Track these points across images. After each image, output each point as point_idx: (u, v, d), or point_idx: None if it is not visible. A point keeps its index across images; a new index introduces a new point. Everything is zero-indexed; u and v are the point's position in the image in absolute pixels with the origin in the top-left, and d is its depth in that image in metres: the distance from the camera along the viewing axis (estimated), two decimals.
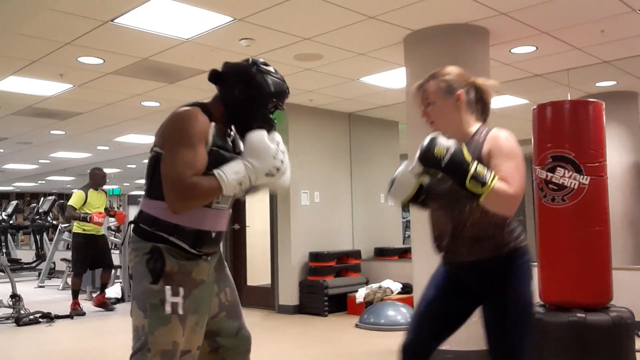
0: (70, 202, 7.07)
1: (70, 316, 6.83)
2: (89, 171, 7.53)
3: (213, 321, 2.22)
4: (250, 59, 2.24)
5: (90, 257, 7.18)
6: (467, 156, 1.97)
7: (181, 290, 2.06)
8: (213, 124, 2.09)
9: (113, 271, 9.07)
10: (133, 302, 2.10)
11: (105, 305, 7.38)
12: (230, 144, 2.21)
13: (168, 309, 2.03)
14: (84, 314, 6.99)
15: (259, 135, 2.04)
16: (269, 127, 2.14)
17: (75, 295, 7.08)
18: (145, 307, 2.05)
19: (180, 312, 2.04)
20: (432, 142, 2.01)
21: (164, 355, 2.01)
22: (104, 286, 7.51)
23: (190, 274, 2.11)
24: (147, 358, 2.01)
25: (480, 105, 2.31)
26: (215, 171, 1.98)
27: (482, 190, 1.93)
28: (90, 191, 7.26)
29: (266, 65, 2.22)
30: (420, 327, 2.39)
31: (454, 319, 2.37)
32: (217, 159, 2.04)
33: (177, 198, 1.97)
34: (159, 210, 2.07)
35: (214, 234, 2.20)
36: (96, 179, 7.39)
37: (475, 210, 2.07)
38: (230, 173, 1.99)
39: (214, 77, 2.23)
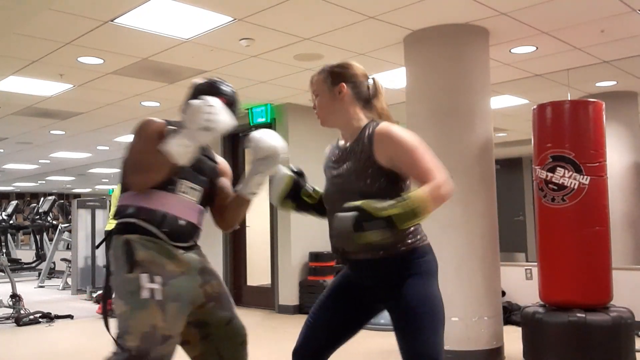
0: None
1: (70, 316, 6.84)
2: None
3: (201, 311, 2.29)
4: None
5: None
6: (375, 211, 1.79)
7: (158, 278, 2.15)
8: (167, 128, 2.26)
9: None
10: (115, 296, 2.21)
11: None
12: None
13: (145, 294, 2.12)
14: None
15: (190, 102, 2.21)
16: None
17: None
18: (124, 295, 2.16)
19: (159, 297, 2.12)
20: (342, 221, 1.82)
21: (143, 337, 2.10)
22: None
23: (164, 266, 2.19)
24: (128, 341, 2.13)
25: (373, 102, 2.19)
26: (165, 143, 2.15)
27: (419, 214, 1.83)
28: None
29: (208, 80, 2.47)
30: (313, 332, 2.37)
31: (350, 324, 2.34)
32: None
33: (133, 174, 2.20)
34: (125, 198, 2.26)
35: (182, 222, 2.27)
36: None
37: None
38: (170, 141, 2.14)
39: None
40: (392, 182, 2.04)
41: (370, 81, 2.19)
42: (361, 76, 2.18)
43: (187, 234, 2.30)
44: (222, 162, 2.63)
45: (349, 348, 5.32)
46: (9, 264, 8.06)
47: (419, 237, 2.14)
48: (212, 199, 2.47)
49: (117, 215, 2.26)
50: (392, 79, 5.97)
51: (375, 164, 2.02)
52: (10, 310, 6.60)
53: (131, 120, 8.00)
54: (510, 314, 5.69)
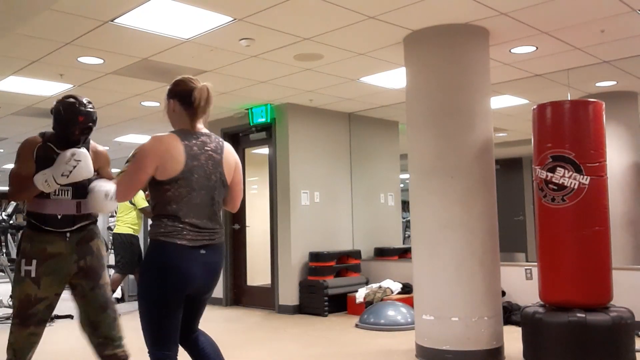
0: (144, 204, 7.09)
1: (70, 316, 6.83)
2: None
3: (74, 278, 3.22)
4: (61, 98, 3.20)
5: (135, 258, 7.26)
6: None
7: (34, 262, 3.11)
8: (40, 144, 3.16)
9: (113, 271, 9.09)
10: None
11: None
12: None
13: (22, 274, 3.12)
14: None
15: (61, 153, 3.06)
16: (72, 145, 3.12)
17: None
18: (15, 272, 3.19)
19: (33, 275, 3.10)
20: None
21: (20, 302, 3.13)
22: None
23: (44, 250, 3.11)
24: (13, 302, 3.22)
25: (196, 109, 2.61)
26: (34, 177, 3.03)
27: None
28: None
29: (70, 98, 3.18)
30: None
31: None
32: (43, 164, 3.08)
33: (14, 190, 3.16)
34: (28, 206, 3.21)
35: (59, 216, 3.14)
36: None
37: None
38: (39, 176, 3.02)
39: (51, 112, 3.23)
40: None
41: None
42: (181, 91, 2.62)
43: (65, 224, 3.14)
44: (96, 155, 3.28)
45: (349, 348, 5.32)
46: (9, 264, 8.05)
47: (157, 231, 2.50)
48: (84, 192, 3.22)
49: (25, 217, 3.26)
50: (392, 79, 5.98)
51: None
52: (10, 310, 6.59)
53: (131, 120, 8.01)
54: (510, 314, 5.70)
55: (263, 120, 7.25)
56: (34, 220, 3.15)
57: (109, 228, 9.91)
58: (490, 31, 4.59)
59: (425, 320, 4.50)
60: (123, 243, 7.30)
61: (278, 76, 5.85)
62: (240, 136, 7.88)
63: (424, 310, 4.51)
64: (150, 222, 2.58)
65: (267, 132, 7.39)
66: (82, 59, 5.12)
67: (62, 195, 3.13)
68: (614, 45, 5.04)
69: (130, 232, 7.27)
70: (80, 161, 3.02)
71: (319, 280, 6.81)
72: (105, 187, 3.13)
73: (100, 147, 3.39)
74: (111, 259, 9.89)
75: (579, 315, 3.79)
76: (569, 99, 5.52)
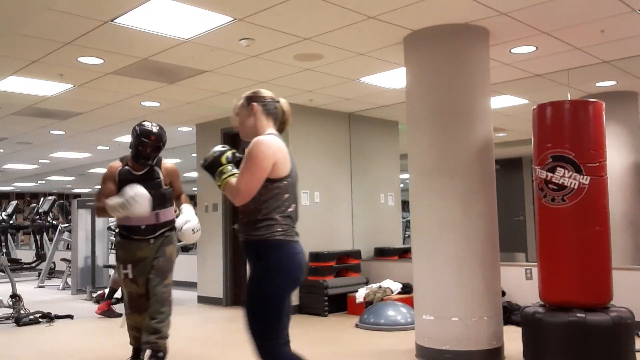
0: None
1: (70, 316, 6.84)
2: None
3: (149, 275, 3.97)
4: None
5: None
6: (223, 160, 2.63)
7: (129, 266, 3.97)
8: (120, 167, 4.08)
9: (113, 271, 9.09)
10: None
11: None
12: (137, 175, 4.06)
13: (122, 277, 4.01)
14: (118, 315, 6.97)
15: (127, 188, 3.81)
16: (146, 160, 4.02)
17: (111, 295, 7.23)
18: (116, 273, 4.24)
19: (131, 277, 3.98)
20: (212, 149, 2.69)
21: (127, 295, 4.06)
22: None
23: (135, 254, 3.97)
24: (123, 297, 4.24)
25: (280, 121, 2.83)
26: (106, 200, 3.86)
27: (218, 184, 2.61)
28: None
29: (145, 121, 4.12)
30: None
31: None
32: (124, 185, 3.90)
33: (97, 209, 4.00)
34: (117, 220, 4.10)
35: (143, 227, 3.96)
36: None
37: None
38: (109, 201, 3.80)
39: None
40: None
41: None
42: (266, 99, 2.80)
43: (147, 232, 3.98)
44: (166, 170, 4.13)
45: (349, 348, 5.31)
46: (9, 264, 8.05)
47: (270, 231, 2.57)
48: (167, 198, 4.08)
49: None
50: (392, 79, 5.98)
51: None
52: (10, 310, 6.60)
53: (131, 120, 8.00)
54: (510, 314, 5.69)
55: None
56: (123, 231, 3.99)
57: (109, 228, 9.90)
58: (490, 31, 4.59)
59: (425, 320, 4.50)
60: None
61: (278, 76, 5.85)
62: (240, 136, 7.86)
63: (424, 310, 4.51)
64: (247, 221, 2.61)
65: None
66: (82, 59, 5.12)
67: None
68: (614, 45, 5.04)
69: None
70: (137, 202, 3.72)
71: (319, 280, 6.81)
72: (192, 224, 3.94)
73: (170, 163, 4.19)
74: (112, 259, 9.87)
75: (579, 315, 3.79)
76: (569, 99, 5.53)
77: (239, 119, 2.82)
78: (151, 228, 3.96)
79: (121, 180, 3.96)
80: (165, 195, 4.04)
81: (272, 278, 2.55)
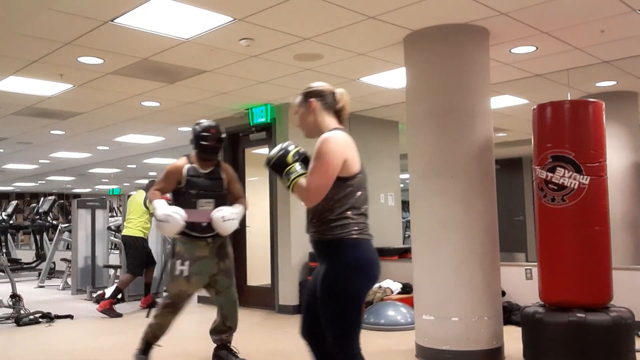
0: None
1: (70, 316, 6.84)
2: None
3: (214, 277, 4.14)
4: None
5: (145, 260, 7.50)
6: (290, 159, 2.53)
7: (186, 263, 4.00)
8: (188, 165, 4.18)
9: (113, 271, 9.09)
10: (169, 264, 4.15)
11: (153, 304, 7.56)
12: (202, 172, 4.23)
13: (177, 273, 4.02)
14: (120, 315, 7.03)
15: (174, 207, 4.03)
16: (212, 157, 4.25)
17: (116, 295, 7.26)
18: (170, 269, 4.07)
19: (186, 274, 4.00)
20: (276, 147, 2.60)
21: (174, 295, 4.07)
22: (148, 285, 7.69)
23: (194, 253, 4.04)
24: (167, 296, 4.15)
25: (339, 112, 2.75)
26: (155, 202, 4.06)
27: (287, 184, 2.50)
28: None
29: (201, 120, 4.32)
30: (304, 312, 2.77)
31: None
32: (192, 182, 4.15)
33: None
34: None
35: (204, 224, 4.07)
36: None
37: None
38: (157, 203, 4.02)
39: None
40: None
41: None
42: (324, 92, 2.71)
43: (208, 230, 4.09)
44: (227, 172, 4.31)
45: None
46: (9, 264, 8.05)
47: (346, 230, 2.48)
48: (227, 199, 4.25)
49: None
50: (392, 79, 5.98)
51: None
52: (10, 310, 6.60)
53: (131, 120, 8.01)
54: (510, 314, 5.69)
55: (263, 120, 7.25)
56: (186, 228, 4.00)
57: (109, 228, 9.90)
58: (490, 31, 4.59)
59: (425, 320, 4.50)
60: (135, 246, 7.40)
61: (278, 76, 5.85)
62: (240, 136, 7.88)
63: (424, 310, 4.51)
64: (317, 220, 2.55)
65: (267, 132, 7.39)
66: (82, 59, 5.12)
67: (206, 206, 4.10)
68: (614, 45, 5.04)
69: (141, 235, 7.40)
70: (169, 223, 3.91)
71: None
72: (222, 212, 4.04)
73: (229, 166, 4.41)
74: (112, 259, 9.87)
75: (579, 315, 3.79)
76: (569, 99, 5.53)
77: (299, 118, 2.72)
78: (210, 226, 4.07)
79: (190, 176, 4.12)
80: (225, 196, 4.23)
81: (352, 277, 2.45)
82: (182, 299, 4.08)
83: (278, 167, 2.53)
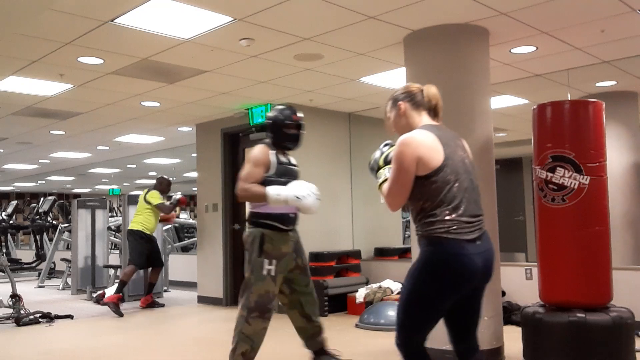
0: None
1: (70, 316, 6.84)
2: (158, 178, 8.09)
3: (291, 273, 3.80)
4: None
5: (146, 254, 7.55)
6: (381, 162, 2.61)
7: (274, 261, 3.64)
8: (272, 151, 3.78)
9: (113, 271, 9.09)
10: (248, 265, 3.68)
11: (153, 304, 7.63)
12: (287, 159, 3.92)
13: (265, 273, 3.62)
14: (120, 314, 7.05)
15: (300, 182, 3.69)
16: (294, 143, 3.95)
17: (120, 289, 7.32)
18: (253, 270, 3.64)
19: (273, 274, 3.64)
20: (378, 150, 2.68)
21: (261, 297, 3.61)
22: (151, 286, 7.74)
23: (280, 249, 3.69)
24: (250, 297, 3.62)
25: (432, 108, 2.68)
26: (267, 188, 3.56)
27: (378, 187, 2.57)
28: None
29: (278, 105, 3.96)
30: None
31: None
32: (281, 169, 3.79)
33: (239, 192, 3.65)
34: (255, 207, 3.74)
35: (292, 215, 3.78)
36: (161, 187, 7.94)
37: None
38: (275, 189, 3.56)
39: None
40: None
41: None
42: (413, 91, 2.69)
43: (294, 222, 3.83)
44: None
45: (349, 348, 5.29)
46: (9, 264, 8.05)
47: (431, 227, 2.41)
48: None
49: (253, 218, 3.74)
50: (392, 79, 5.98)
51: None
52: (10, 310, 6.60)
53: (131, 120, 8.01)
54: (510, 314, 5.69)
55: (263, 120, 7.24)
56: (273, 222, 3.68)
57: (109, 228, 9.90)
58: (490, 31, 4.59)
59: None
60: (133, 238, 7.60)
61: (278, 76, 5.85)
62: (240, 136, 7.88)
63: None
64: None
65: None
66: (82, 59, 5.12)
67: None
68: (614, 45, 5.04)
69: (140, 228, 7.56)
70: (319, 200, 3.65)
71: (319, 280, 6.80)
72: (294, 190, 3.61)
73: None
74: (112, 259, 9.89)
75: (579, 315, 3.79)
76: (569, 99, 5.52)
77: (392, 124, 2.71)
78: (295, 217, 3.84)
79: (280, 164, 3.78)
80: None
81: (421, 275, 2.42)
82: (269, 301, 3.65)
83: (372, 170, 2.62)
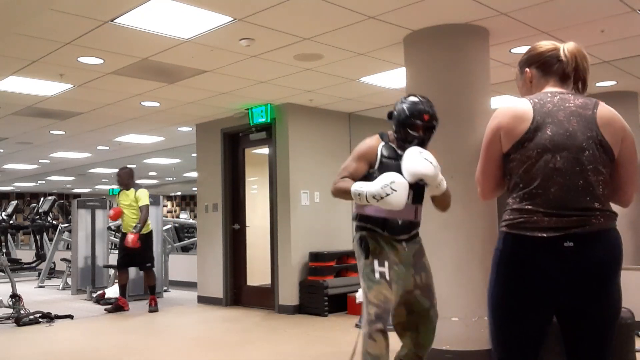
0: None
1: (70, 316, 6.84)
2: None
3: (409, 295, 3.10)
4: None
5: (122, 254, 7.38)
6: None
7: (386, 263, 3.00)
8: (382, 143, 3.16)
9: (113, 271, 9.09)
10: (360, 277, 3.08)
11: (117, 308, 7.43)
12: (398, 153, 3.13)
13: (377, 275, 2.97)
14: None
15: (383, 175, 2.93)
16: (410, 144, 3.10)
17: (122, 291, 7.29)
18: (364, 275, 3.02)
19: (387, 278, 2.98)
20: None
21: (377, 304, 2.92)
22: (150, 288, 7.49)
23: (388, 256, 3.04)
24: (369, 308, 2.94)
25: (569, 73, 2.16)
26: (353, 184, 2.99)
27: None
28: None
29: (412, 97, 3.21)
30: None
31: None
32: (384, 165, 3.08)
33: (334, 188, 3.12)
34: (358, 208, 3.17)
35: (400, 221, 3.07)
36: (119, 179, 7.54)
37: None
38: (357, 186, 2.96)
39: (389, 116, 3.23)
40: None
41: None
42: (546, 55, 2.18)
43: (403, 230, 3.10)
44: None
45: (349, 348, 5.30)
46: (9, 264, 8.05)
47: (502, 222, 2.03)
48: (422, 194, 3.17)
49: (355, 219, 3.22)
50: (392, 79, 5.98)
51: None
52: (10, 310, 6.60)
53: (131, 120, 8.01)
54: None
55: (263, 120, 7.25)
56: (371, 225, 3.09)
57: (109, 228, 9.90)
58: (490, 31, 4.59)
59: None
60: (120, 240, 7.57)
61: (278, 76, 5.85)
62: (240, 136, 7.88)
63: None
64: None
65: (267, 132, 7.39)
66: (82, 59, 5.12)
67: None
68: (614, 45, 5.04)
69: (125, 229, 7.38)
70: (396, 191, 2.85)
71: (319, 280, 6.81)
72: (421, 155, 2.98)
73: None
74: (112, 259, 9.88)
75: None
76: None
77: (521, 92, 2.20)
78: (407, 225, 3.12)
79: (383, 157, 3.11)
80: (424, 188, 3.16)
81: (491, 280, 1.99)
82: (387, 311, 2.98)
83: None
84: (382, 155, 3.12)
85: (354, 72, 5.76)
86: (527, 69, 2.16)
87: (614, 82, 6.44)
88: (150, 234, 7.44)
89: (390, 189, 2.85)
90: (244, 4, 4.00)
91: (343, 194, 3.03)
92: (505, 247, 1.96)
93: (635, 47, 5.16)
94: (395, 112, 3.17)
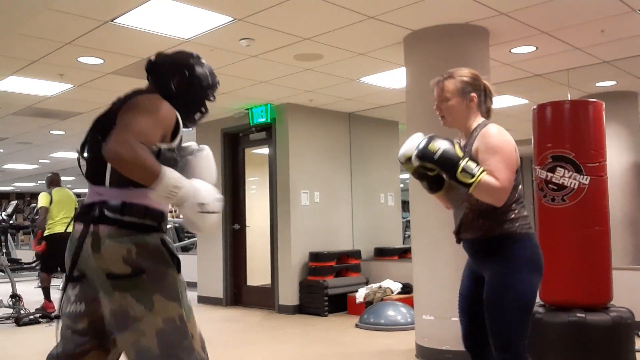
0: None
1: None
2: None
3: None
4: (186, 51, 2.39)
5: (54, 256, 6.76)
6: (459, 152, 2.30)
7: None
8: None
9: None
10: (153, 296, 1.99)
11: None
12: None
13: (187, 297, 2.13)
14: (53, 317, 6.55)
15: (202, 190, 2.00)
16: (203, 116, 2.32)
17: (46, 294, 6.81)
18: (179, 296, 2.07)
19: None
20: (429, 139, 2.39)
21: (200, 338, 2.17)
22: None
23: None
24: (194, 344, 2.08)
25: (486, 105, 2.53)
26: (163, 167, 1.91)
27: (471, 181, 2.24)
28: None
29: (200, 57, 2.35)
30: (466, 321, 2.58)
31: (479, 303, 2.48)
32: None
33: (128, 165, 1.94)
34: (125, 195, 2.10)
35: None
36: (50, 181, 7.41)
37: (472, 197, 2.34)
38: (174, 178, 1.91)
39: (150, 67, 2.37)
40: None
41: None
42: (481, 85, 2.51)
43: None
44: None
45: (349, 348, 5.31)
46: (9, 264, 8.05)
47: (516, 224, 2.37)
48: None
49: (134, 215, 2.14)
50: (392, 79, 5.98)
51: (472, 157, 2.35)
52: (10, 310, 6.60)
53: None
54: None
55: (263, 120, 7.25)
56: (150, 220, 2.16)
57: None
58: (490, 31, 4.59)
59: (425, 320, 4.49)
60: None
61: (278, 76, 5.85)
62: (240, 136, 7.88)
63: (424, 310, 4.51)
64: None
65: (267, 132, 7.39)
66: (82, 59, 5.12)
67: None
68: (614, 45, 5.04)
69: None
70: (215, 211, 2.01)
71: (319, 280, 6.81)
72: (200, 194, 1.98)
73: None
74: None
75: (579, 315, 3.79)
76: (569, 99, 5.52)
77: (448, 105, 2.48)
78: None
79: (176, 132, 2.19)
80: None
81: (527, 274, 2.32)
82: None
83: (447, 161, 2.27)
84: (176, 128, 2.28)
85: (354, 72, 5.76)
86: (474, 95, 2.47)
87: (614, 82, 6.43)
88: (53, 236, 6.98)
89: (209, 209, 2.04)
90: (244, 4, 4.00)
91: (141, 170, 1.96)
92: (529, 243, 2.36)
93: (635, 47, 5.16)
94: (196, 74, 2.41)
